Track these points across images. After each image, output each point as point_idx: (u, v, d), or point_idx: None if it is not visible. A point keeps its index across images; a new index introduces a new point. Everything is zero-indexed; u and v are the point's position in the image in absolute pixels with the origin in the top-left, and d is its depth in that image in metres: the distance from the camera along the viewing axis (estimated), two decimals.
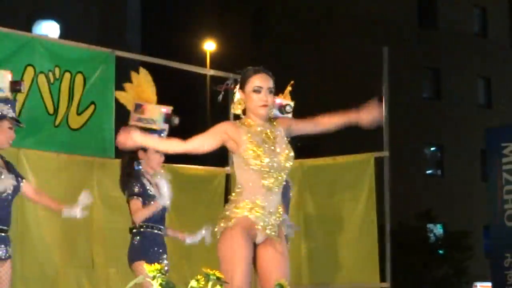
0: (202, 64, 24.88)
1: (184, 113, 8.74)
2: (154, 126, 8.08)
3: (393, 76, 10.20)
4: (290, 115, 7.98)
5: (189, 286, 4.02)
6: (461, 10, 39.62)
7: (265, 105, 5.85)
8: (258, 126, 5.87)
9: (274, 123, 5.99)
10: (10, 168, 7.02)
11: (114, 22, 32.51)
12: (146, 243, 7.62)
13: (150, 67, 8.59)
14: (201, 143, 5.93)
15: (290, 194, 8.25)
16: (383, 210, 9.95)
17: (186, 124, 8.44)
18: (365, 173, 9.68)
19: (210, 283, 3.97)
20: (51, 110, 8.48)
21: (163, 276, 3.77)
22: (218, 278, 3.96)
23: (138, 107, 8.19)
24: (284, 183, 5.98)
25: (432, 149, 38.51)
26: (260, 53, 33.57)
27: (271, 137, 5.88)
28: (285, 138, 5.96)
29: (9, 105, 6.90)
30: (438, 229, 35.39)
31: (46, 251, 8.65)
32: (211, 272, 4.03)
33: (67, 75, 8.52)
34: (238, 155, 5.83)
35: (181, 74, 15.21)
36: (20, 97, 8.32)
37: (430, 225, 34.57)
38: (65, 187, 8.42)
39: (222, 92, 10.05)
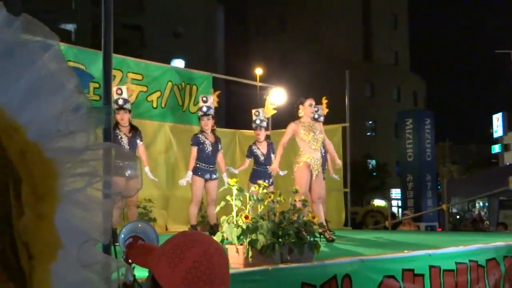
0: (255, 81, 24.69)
1: (245, 111, 8.56)
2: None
3: (350, 87, 10.03)
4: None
5: (226, 184, 3.89)
6: (385, 52, 39.41)
7: (313, 113, 6.23)
8: (309, 123, 6.20)
9: (315, 123, 6.30)
10: (217, 140, 6.62)
11: (210, 58, 32.51)
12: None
13: (229, 83, 8.39)
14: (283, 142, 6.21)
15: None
16: (346, 152, 9.88)
17: (248, 118, 8.09)
18: (336, 134, 9.56)
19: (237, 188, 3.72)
20: (180, 103, 8.49)
21: (237, 185, 3.75)
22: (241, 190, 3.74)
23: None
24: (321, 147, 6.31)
25: (369, 122, 38.09)
26: (281, 76, 33.35)
27: (313, 127, 6.14)
28: (319, 129, 6.20)
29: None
30: (373, 162, 35.27)
31: None
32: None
33: (188, 86, 8.53)
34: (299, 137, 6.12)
35: (243, 87, 15.04)
36: (165, 98, 8.35)
37: (369, 160, 34.44)
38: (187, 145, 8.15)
39: (266, 95, 10.04)
